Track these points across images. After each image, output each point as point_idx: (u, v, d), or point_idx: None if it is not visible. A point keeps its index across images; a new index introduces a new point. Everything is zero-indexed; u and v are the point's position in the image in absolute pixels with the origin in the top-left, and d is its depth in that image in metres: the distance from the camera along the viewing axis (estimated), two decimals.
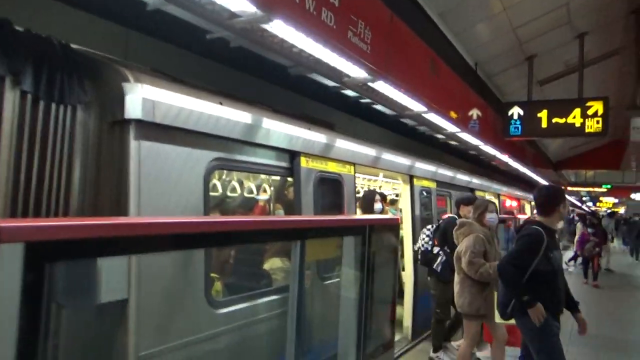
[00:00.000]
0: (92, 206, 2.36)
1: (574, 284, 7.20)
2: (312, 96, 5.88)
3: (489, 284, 4.36)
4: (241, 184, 4.54)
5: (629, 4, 7.59)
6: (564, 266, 11.09)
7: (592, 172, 24.84)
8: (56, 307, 1.27)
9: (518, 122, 8.31)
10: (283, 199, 4.56)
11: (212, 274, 3.10)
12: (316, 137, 3.93)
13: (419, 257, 5.55)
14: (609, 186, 26.11)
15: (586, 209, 37.78)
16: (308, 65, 4.16)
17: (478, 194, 8.72)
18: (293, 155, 3.66)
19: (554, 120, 8.02)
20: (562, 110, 8.01)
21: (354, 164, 4.56)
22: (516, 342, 4.32)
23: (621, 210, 38.33)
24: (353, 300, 2.62)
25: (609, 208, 38.96)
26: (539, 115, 8.16)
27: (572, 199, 31.77)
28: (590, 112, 7.75)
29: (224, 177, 4.42)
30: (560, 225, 3.68)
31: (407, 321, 5.98)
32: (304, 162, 3.75)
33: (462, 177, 8.50)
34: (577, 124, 7.83)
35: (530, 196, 17.22)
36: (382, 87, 4.98)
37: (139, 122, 2.39)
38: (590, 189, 28.88)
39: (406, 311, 6.00)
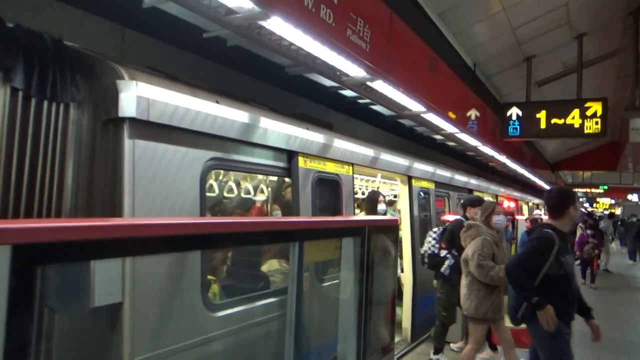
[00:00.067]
0: (86, 207, 2.31)
1: None
2: (310, 96, 5.84)
3: (496, 288, 4.30)
4: (238, 184, 4.49)
5: (627, 5, 7.58)
6: None
7: (589, 173, 24.90)
8: (48, 311, 1.22)
9: (517, 123, 8.26)
10: (281, 199, 4.51)
11: (209, 277, 3.05)
12: (314, 137, 3.88)
13: (426, 260, 5.47)
14: (605, 187, 26.20)
15: (583, 210, 37.85)
16: (306, 64, 4.10)
17: (476, 194, 8.69)
18: (291, 155, 3.61)
19: (553, 121, 7.97)
20: (561, 111, 7.95)
21: (352, 165, 4.51)
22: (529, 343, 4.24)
23: (617, 211, 38.42)
24: (352, 303, 2.58)
25: (605, 209, 39.06)
26: (537, 115, 8.10)
27: None
28: (589, 112, 7.71)
29: (220, 177, 4.37)
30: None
31: (407, 323, 5.95)
32: (301, 162, 3.70)
33: (460, 178, 8.49)
34: (576, 125, 7.78)
35: (528, 197, 17.33)
36: (381, 86, 4.92)
37: (133, 121, 2.34)
38: (587, 190, 28.97)
39: (405, 313, 5.97)
